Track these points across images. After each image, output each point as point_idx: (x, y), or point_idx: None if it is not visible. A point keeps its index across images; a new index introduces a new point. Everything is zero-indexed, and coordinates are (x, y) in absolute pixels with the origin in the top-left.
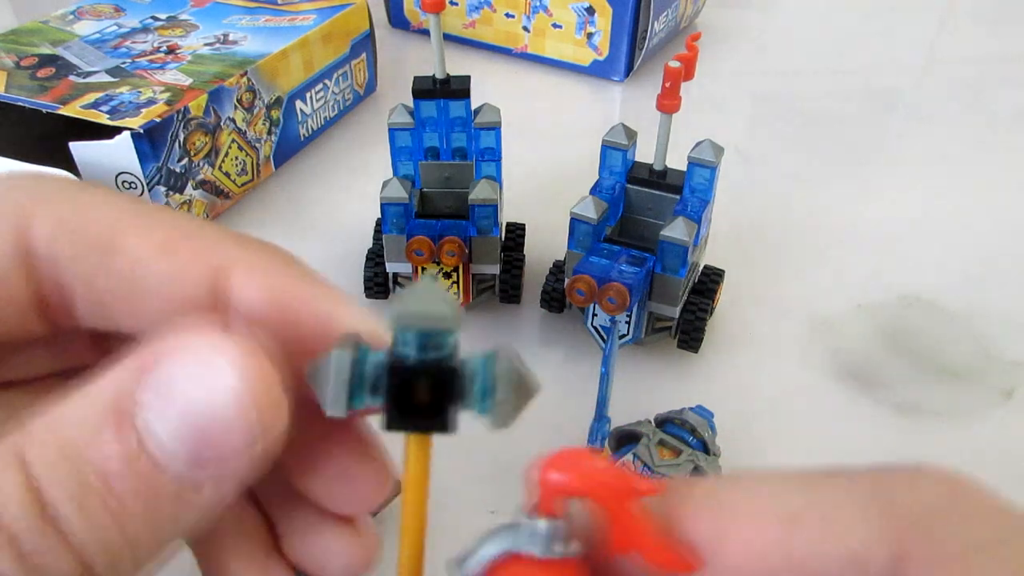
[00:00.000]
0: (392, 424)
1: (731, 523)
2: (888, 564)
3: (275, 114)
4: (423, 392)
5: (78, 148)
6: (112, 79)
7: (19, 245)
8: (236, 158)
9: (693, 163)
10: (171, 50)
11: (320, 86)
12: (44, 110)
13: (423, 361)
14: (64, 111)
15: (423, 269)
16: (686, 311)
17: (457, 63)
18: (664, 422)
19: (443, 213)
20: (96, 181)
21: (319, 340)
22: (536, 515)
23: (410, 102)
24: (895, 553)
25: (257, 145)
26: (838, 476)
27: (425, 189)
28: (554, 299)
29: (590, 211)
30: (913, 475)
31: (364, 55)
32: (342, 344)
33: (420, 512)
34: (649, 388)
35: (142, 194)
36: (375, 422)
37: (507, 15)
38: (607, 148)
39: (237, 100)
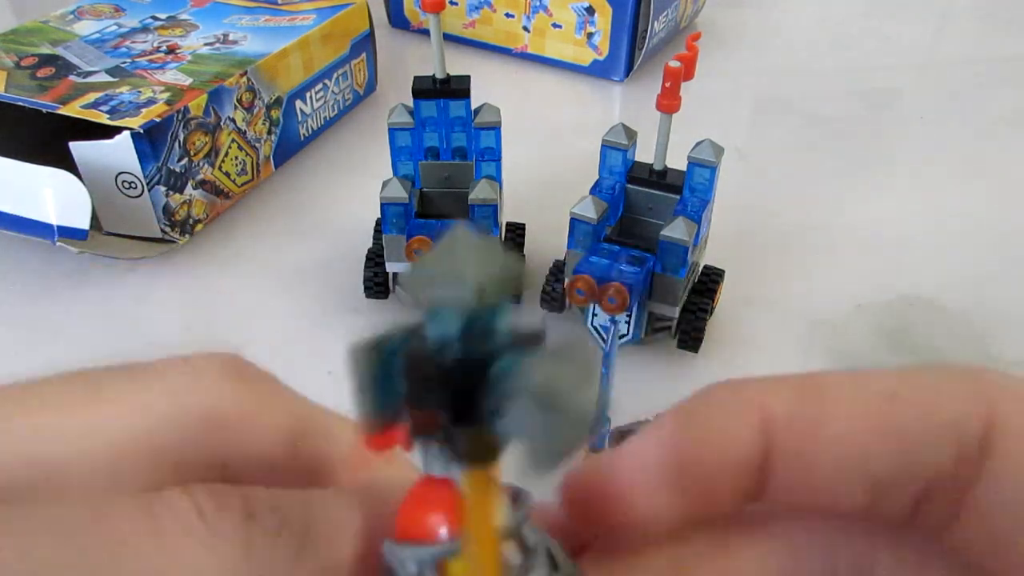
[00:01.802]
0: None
1: (831, 403)
2: (980, 430)
3: (275, 114)
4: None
5: (78, 148)
6: (112, 79)
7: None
8: (236, 158)
9: (693, 163)
10: (171, 50)
11: (320, 86)
12: (44, 110)
13: (460, 350)
14: (64, 111)
15: None
16: (686, 311)
17: (457, 63)
18: None
19: (443, 213)
20: None
21: None
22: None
23: (410, 102)
24: (986, 421)
25: (257, 145)
26: (926, 365)
27: (425, 189)
28: (554, 299)
29: (590, 211)
30: (1001, 370)
31: (364, 55)
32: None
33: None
34: (649, 388)
35: (142, 194)
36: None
37: (507, 15)
38: (607, 148)
39: (237, 100)
